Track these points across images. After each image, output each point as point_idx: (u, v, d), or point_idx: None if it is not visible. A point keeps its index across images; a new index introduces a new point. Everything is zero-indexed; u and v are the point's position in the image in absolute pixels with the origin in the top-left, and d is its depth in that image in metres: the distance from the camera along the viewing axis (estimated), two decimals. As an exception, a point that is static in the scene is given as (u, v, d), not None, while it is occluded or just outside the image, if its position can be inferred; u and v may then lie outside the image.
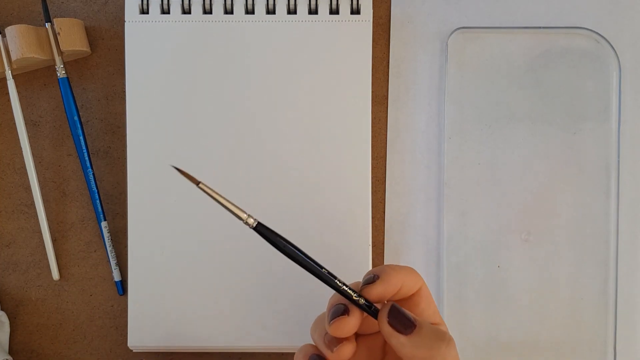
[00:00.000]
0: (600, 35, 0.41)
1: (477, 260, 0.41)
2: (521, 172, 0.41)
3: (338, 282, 0.30)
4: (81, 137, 0.41)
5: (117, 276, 0.41)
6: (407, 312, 0.29)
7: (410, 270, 0.31)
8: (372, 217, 0.41)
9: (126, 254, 0.40)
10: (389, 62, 0.42)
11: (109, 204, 0.42)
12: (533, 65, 0.41)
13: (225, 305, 0.39)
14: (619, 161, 0.41)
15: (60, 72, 0.40)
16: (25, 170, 0.41)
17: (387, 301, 0.30)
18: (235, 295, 0.39)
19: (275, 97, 0.40)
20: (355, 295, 0.30)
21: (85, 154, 0.41)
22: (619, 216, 0.41)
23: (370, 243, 0.40)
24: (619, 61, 0.41)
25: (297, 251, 0.30)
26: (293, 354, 0.41)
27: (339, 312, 0.29)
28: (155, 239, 0.40)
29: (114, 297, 0.42)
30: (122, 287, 0.41)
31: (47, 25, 0.40)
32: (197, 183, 0.29)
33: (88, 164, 0.41)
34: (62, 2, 0.42)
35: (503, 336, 0.41)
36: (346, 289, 0.30)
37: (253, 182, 0.40)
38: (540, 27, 0.41)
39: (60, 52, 0.40)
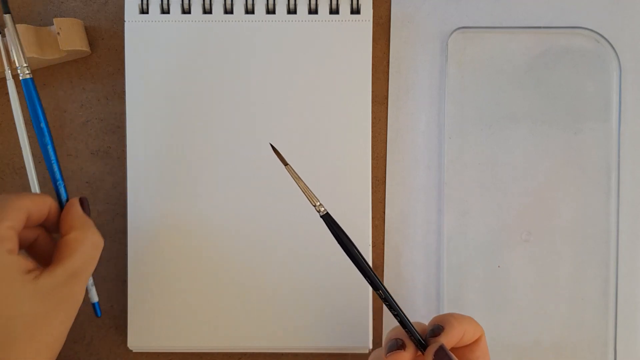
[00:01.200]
0: (601, 35, 0.41)
1: (477, 260, 0.41)
2: (521, 172, 0.41)
3: (382, 287, 0.33)
4: (49, 146, 0.36)
5: (93, 297, 0.39)
6: (452, 356, 0.32)
7: (471, 320, 0.33)
8: (372, 217, 0.41)
9: (125, 254, 0.40)
10: (389, 62, 0.42)
11: (109, 204, 0.42)
12: (533, 65, 0.41)
13: (226, 305, 0.39)
14: (619, 161, 0.41)
15: (23, 73, 0.36)
16: (25, 170, 0.40)
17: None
18: (235, 296, 0.39)
19: (275, 97, 0.40)
20: (396, 313, 0.33)
21: (58, 174, 0.36)
22: (620, 216, 0.41)
23: (370, 243, 0.40)
24: (619, 61, 0.41)
25: (354, 249, 0.32)
26: (293, 354, 0.41)
27: (395, 346, 0.33)
28: (155, 239, 0.40)
29: (114, 298, 0.42)
30: (99, 309, 0.40)
31: (7, 16, 0.36)
32: (286, 164, 0.32)
33: (59, 176, 0.36)
34: (62, 2, 0.42)
35: (503, 336, 0.41)
36: (390, 298, 0.33)
37: (253, 181, 0.40)
38: (540, 27, 0.41)
39: (21, 52, 0.36)
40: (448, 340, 0.32)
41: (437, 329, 0.33)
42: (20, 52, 0.36)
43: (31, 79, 0.35)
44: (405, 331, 0.33)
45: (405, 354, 0.32)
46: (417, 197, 0.41)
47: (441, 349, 0.31)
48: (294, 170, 0.32)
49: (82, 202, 0.35)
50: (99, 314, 0.40)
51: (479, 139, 0.41)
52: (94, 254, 0.33)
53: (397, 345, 0.32)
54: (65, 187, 0.36)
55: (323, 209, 0.32)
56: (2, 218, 0.31)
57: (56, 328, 0.31)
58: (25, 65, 0.35)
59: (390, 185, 0.42)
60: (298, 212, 0.40)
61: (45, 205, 0.34)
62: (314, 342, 0.40)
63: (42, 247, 0.34)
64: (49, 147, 0.35)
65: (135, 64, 0.40)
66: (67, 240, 0.33)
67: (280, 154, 0.33)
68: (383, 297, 0.32)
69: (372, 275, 0.32)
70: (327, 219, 0.32)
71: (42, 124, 0.35)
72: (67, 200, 0.36)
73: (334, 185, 0.40)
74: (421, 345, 0.33)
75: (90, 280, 0.39)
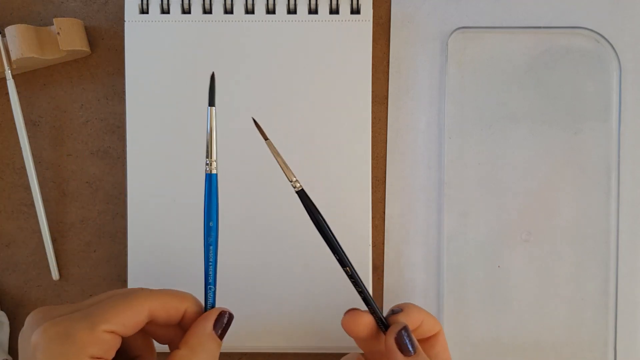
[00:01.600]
0: (601, 35, 0.41)
1: (477, 261, 0.41)
2: (521, 172, 0.41)
3: (349, 264, 0.33)
4: (213, 247, 0.32)
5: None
6: (414, 337, 0.32)
7: (430, 313, 0.34)
8: (372, 217, 0.41)
9: (125, 254, 0.40)
10: (389, 62, 0.42)
11: (109, 203, 0.42)
12: (533, 65, 0.41)
13: (225, 305, 0.39)
14: (619, 161, 0.41)
15: (211, 169, 0.32)
16: (25, 170, 0.41)
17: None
18: (235, 296, 0.39)
19: (275, 97, 0.40)
20: (362, 291, 0.33)
21: (212, 266, 0.32)
22: (620, 216, 0.41)
23: (370, 243, 0.40)
24: (619, 61, 0.41)
25: (326, 226, 0.33)
26: (293, 354, 0.41)
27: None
28: (155, 239, 0.40)
29: (114, 297, 0.42)
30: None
31: (212, 109, 0.32)
32: (266, 139, 0.32)
33: (212, 280, 0.32)
34: (62, 2, 0.42)
35: (503, 336, 0.41)
36: (359, 279, 0.33)
37: (253, 181, 0.40)
38: (540, 27, 0.41)
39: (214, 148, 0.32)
40: (407, 320, 0.32)
41: (397, 310, 0.33)
42: (213, 147, 0.32)
43: (216, 175, 0.32)
44: (368, 308, 0.33)
45: (364, 314, 0.32)
46: (417, 197, 0.41)
47: (405, 328, 0.32)
48: (273, 146, 0.32)
49: (220, 317, 0.31)
50: None
51: (479, 139, 0.41)
52: None
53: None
54: (215, 292, 0.32)
55: (299, 184, 0.32)
56: (104, 319, 0.27)
57: None
58: (214, 159, 0.32)
59: (390, 185, 0.41)
60: (298, 212, 0.40)
61: (179, 307, 0.30)
62: (314, 342, 0.40)
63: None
64: (213, 248, 0.32)
65: (135, 64, 0.40)
66: (172, 357, 0.29)
67: (261, 128, 0.32)
68: (350, 274, 0.33)
69: (340, 252, 0.32)
70: (302, 195, 0.32)
71: (213, 223, 0.32)
72: (212, 307, 0.32)
73: (334, 185, 0.40)
74: (383, 325, 0.33)
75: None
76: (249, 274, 0.40)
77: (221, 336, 0.31)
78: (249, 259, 0.40)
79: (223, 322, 0.31)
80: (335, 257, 0.33)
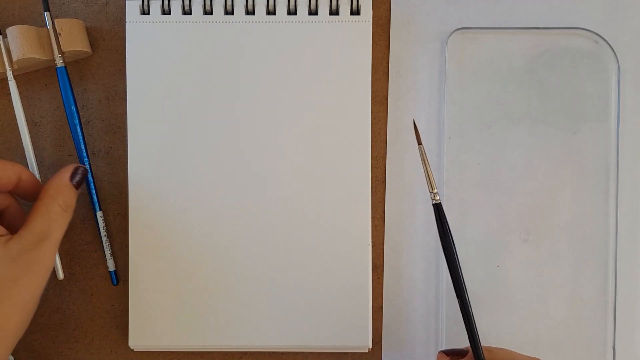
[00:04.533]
0: (600, 36, 0.41)
1: (477, 260, 0.41)
2: (521, 172, 0.41)
3: (468, 300, 0.34)
4: (78, 127, 0.41)
5: (111, 266, 0.41)
6: None
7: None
8: (372, 217, 0.41)
9: (127, 254, 0.40)
10: (389, 62, 0.42)
11: (109, 203, 0.42)
12: (533, 65, 0.41)
13: (226, 304, 0.40)
14: (618, 161, 0.41)
15: (59, 62, 0.40)
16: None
17: None
18: (236, 295, 0.40)
19: (275, 98, 0.40)
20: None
21: (84, 151, 0.41)
22: (619, 216, 0.41)
23: (370, 243, 0.40)
24: (618, 62, 0.41)
25: (453, 246, 0.33)
26: (293, 353, 0.41)
27: (458, 352, 0.34)
28: (156, 239, 0.40)
29: (115, 297, 0.42)
30: (116, 277, 0.42)
31: (46, 14, 0.39)
32: (420, 144, 0.34)
33: (86, 162, 0.41)
34: (63, 3, 0.42)
35: (503, 336, 0.41)
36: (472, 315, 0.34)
37: (253, 181, 0.40)
38: (540, 28, 0.42)
39: (59, 46, 0.40)
40: None
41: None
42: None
43: (65, 67, 0.40)
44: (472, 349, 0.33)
45: None
46: (417, 197, 0.42)
47: None
48: (424, 153, 0.33)
49: (75, 171, 0.36)
50: (115, 283, 0.41)
51: (478, 139, 0.41)
52: (60, 220, 0.34)
53: (459, 352, 0.34)
54: (91, 168, 0.41)
55: (438, 197, 0.33)
56: None
57: (26, 291, 0.33)
58: (59, 55, 0.40)
59: (390, 185, 0.42)
60: (299, 211, 0.40)
61: (13, 173, 0.35)
62: (314, 342, 0.40)
63: (12, 216, 0.36)
64: (78, 128, 0.40)
65: (136, 64, 0.40)
66: (36, 206, 0.34)
67: (418, 132, 0.34)
68: (461, 306, 0.33)
69: (459, 278, 0.32)
70: (438, 208, 0.33)
71: (73, 107, 0.40)
72: None
73: (334, 185, 0.40)
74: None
75: (109, 251, 0.41)
76: (249, 274, 0.40)
77: (77, 186, 0.36)
78: (250, 258, 0.40)
79: (77, 174, 0.36)
80: (453, 284, 0.32)
